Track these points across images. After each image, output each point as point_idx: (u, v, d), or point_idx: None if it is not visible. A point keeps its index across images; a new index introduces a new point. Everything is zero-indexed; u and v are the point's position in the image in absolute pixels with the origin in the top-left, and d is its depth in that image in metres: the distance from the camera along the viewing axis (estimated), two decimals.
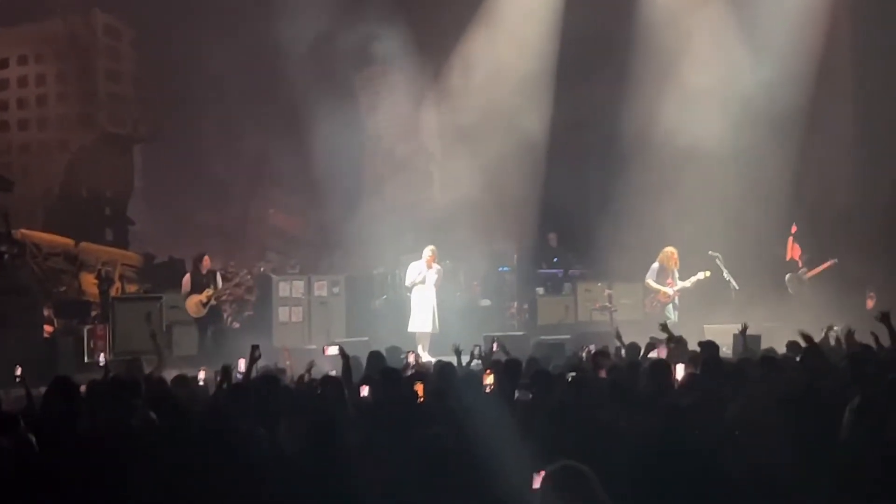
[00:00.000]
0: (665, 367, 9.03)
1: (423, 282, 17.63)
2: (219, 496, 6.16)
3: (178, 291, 18.47)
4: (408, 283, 17.80)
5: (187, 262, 23.41)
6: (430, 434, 6.00)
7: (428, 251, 17.74)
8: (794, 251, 19.58)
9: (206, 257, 17.97)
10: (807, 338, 10.46)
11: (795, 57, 19.95)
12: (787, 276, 19.39)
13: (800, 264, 19.43)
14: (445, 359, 11.56)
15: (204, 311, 17.53)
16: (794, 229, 19.62)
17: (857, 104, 20.59)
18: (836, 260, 19.03)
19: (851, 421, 6.36)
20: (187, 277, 17.85)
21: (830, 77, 20.38)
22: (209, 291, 17.48)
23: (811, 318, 14.42)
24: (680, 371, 9.13)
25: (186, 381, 10.03)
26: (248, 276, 22.38)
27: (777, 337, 12.68)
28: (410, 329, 17.54)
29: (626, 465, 5.99)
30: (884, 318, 10.39)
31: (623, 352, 11.96)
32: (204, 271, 17.72)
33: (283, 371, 12.21)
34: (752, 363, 9.30)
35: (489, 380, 8.97)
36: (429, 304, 17.63)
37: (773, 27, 20.34)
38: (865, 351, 10.01)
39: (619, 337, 12.49)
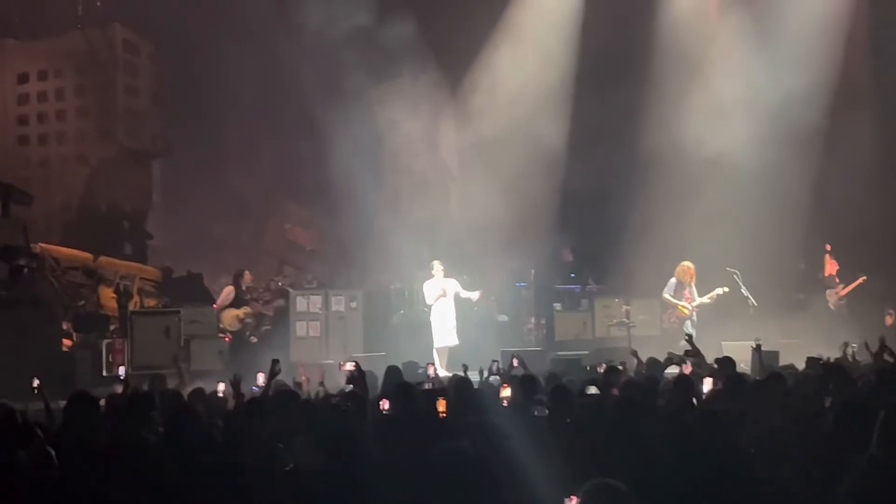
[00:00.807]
0: (689, 382, 9.02)
1: (444, 294, 17.71)
2: None
3: (196, 305, 18.71)
4: (430, 301, 17.84)
5: (205, 277, 23.53)
6: (449, 447, 5.98)
7: (438, 267, 17.82)
8: (831, 267, 19.68)
9: (247, 273, 18.56)
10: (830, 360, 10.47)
11: (814, 72, 19.94)
12: (827, 292, 19.54)
13: (837, 280, 19.57)
14: (462, 373, 11.56)
15: (238, 326, 17.97)
16: (828, 247, 19.78)
17: (876, 120, 20.54)
18: (865, 277, 19.22)
19: (877, 437, 6.31)
20: (230, 290, 18.25)
21: (850, 91, 20.36)
22: (247, 309, 17.98)
23: (829, 335, 14.40)
24: (707, 384, 9.12)
25: (204, 395, 10.07)
26: (267, 292, 22.55)
27: (795, 353, 12.64)
28: (438, 344, 17.58)
29: (651, 480, 5.96)
30: None
31: (643, 368, 11.93)
32: (244, 287, 18.26)
33: (298, 385, 12.24)
34: (769, 380, 9.28)
35: (506, 392, 8.96)
36: (451, 318, 17.71)
37: (792, 42, 20.34)
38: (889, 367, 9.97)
39: (635, 353, 12.48)
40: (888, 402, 6.95)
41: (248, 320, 18.29)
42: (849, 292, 19.44)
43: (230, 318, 18.12)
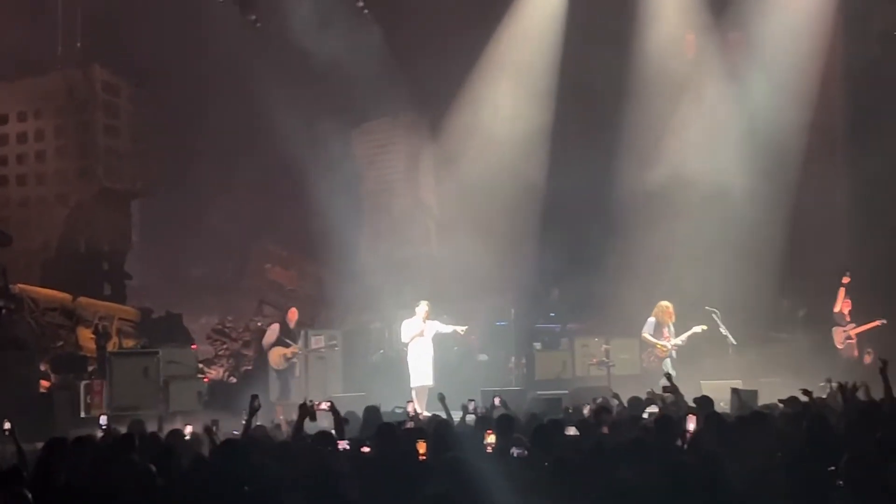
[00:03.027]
0: (672, 422, 9.01)
1: (421, 335, 17.59)
2: None
3: (175, 346, 18.72)
4: (405, 339, 17.72)
5: (185, 317, 23.45)
6: (429, 495, 5.93)
7: (424, 307, 17.71)
8: (844, 305, 18.85)
9: (293, 310, 18.72)
10: (807, 393, 10.57)
11: (790, 110, 20.08)
12: (834, 329, 18.98)
13: (847, 319, 18.87)
14: (441, 414, 11.53)
15: (285, 365, 18.26)
16: (845, 280, 18.75)
17: (849, 156, 20.70)
18: (884, 321, 18.53)
19: (843, 478, 6.38)
20: (275, 328, 18.37)
21: (825, 129, 20.53)
22: (294, 348, 18.08)
23: (810, 373, 14.42)
24: (691, 423, 9.10)
25: (182, 436, 10.01)
26: (247, 332, 22.54)
27: (774, 392, 12.65)
28: (414, 384, 17.43)
29: None
30: (882, 369, 10.40)
31: (621, 408, 11.92)
32: (292, 325, 18.38)
33: (277, 427, 12.20)
34: (749, 419, 9.27)
35: (490, 439, 8.86)
36: (427, 357, 17.60)
37: (767, 79, 20.53)
38: (863, 406, 9.98)
39: (616, 396, 12.49)
40: (854, 445, 7.01)
41: (294, 360, 18.40)
42: (861, 333, 18.74)
43: (277, 357, 18.23)
